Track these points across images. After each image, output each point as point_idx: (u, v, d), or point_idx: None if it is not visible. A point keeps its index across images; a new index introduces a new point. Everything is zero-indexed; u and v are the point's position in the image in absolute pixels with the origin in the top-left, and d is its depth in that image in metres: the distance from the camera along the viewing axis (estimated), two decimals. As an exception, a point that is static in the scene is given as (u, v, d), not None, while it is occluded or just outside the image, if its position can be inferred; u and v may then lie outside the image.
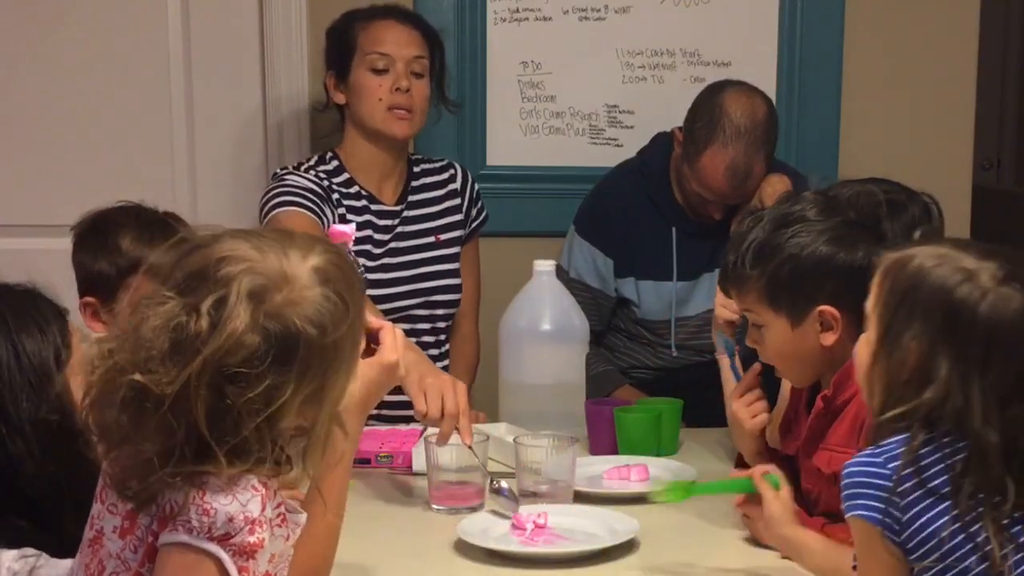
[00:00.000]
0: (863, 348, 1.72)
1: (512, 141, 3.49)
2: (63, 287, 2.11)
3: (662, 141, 3.14)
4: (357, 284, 1.60)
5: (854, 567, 1.64)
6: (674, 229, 3.07)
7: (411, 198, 3.03)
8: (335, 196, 2.92)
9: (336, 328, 1.53)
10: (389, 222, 2.99)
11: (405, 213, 3.01)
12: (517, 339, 2.70)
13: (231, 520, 1.47)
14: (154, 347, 1.48)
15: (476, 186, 3.13)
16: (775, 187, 2.94)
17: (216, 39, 3.35)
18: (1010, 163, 5.92)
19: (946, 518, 1.59)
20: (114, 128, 3.37)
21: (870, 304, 1.72)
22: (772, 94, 3.16)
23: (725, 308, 2.44)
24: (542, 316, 2.69)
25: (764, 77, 3.33)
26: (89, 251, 2.29)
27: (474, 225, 3.12)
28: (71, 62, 3.34)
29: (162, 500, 1.49)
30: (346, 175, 2.97)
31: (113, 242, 2.27)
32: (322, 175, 2.93)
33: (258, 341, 1.48)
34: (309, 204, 2.83)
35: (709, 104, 2.93)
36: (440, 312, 3.02)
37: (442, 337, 3.06)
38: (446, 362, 3.04)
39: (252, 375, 1.47)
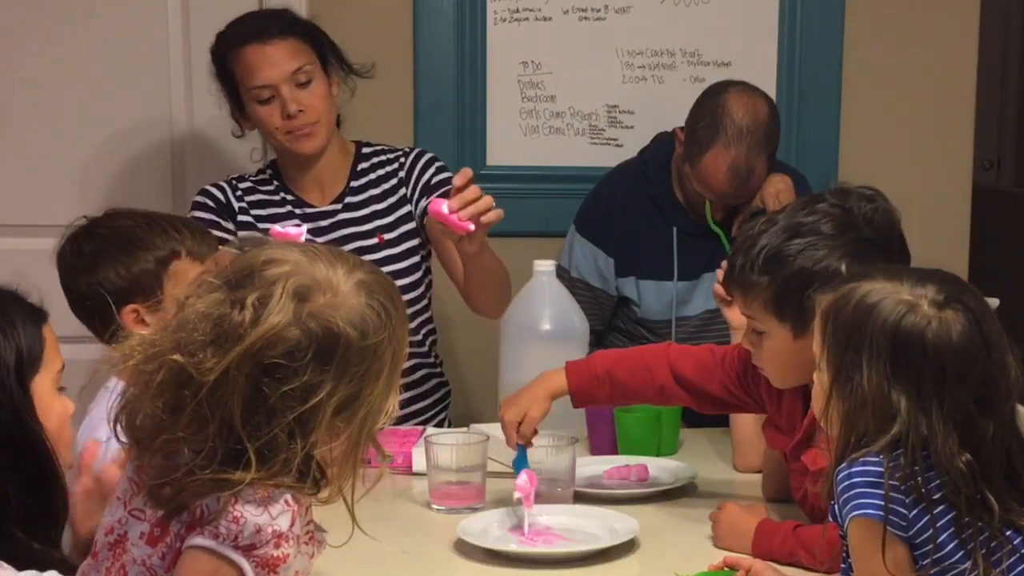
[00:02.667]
0: (817, 392, 1.73)
1: (512, 141, 3.48)
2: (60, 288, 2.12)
3: (663, 141, 3.14)
4: (400, 303, 1.62)
5: None
6: (675, 229, 3.07)
7: (348, 199, 2.88)
8: (241, 206, 2.84)
9: (376, 334, 1.55)
10: (321, 223, 2.85)
11: (341, 215, 2.88)
12: (517, 339, 2.71)
13: (259, 531, 1.49)
14: (197, 330, 1.51)
15: (432, 166, 2.91)
16: (776, 187, 2.94)
17: (216, 39, 3.35)
18: (1010, 163, 5.91)
19: (942, 522, 1.59)
20: (114, 129, 3.37)
21: (816, 347, 1.72)
22: (772, 94, 3.16)
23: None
24: (542, 316, 2.70)
25: (764, 77, 3.33)
26: (118, 260, 2.20)
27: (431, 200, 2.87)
28: (71, 62, 3.33)
29: (193, 507, 1.50)
30: (276, 183, 2.89)
31: (141, 240, 2.22)
32: (242, 188, 2.85)
33: (299, 335, 1.51)
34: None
35: (711, 104, 2.92)
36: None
37: (417, 337, 2.89)
38: (423, 371, 2.91)
39: (291, 369, 1.50)
